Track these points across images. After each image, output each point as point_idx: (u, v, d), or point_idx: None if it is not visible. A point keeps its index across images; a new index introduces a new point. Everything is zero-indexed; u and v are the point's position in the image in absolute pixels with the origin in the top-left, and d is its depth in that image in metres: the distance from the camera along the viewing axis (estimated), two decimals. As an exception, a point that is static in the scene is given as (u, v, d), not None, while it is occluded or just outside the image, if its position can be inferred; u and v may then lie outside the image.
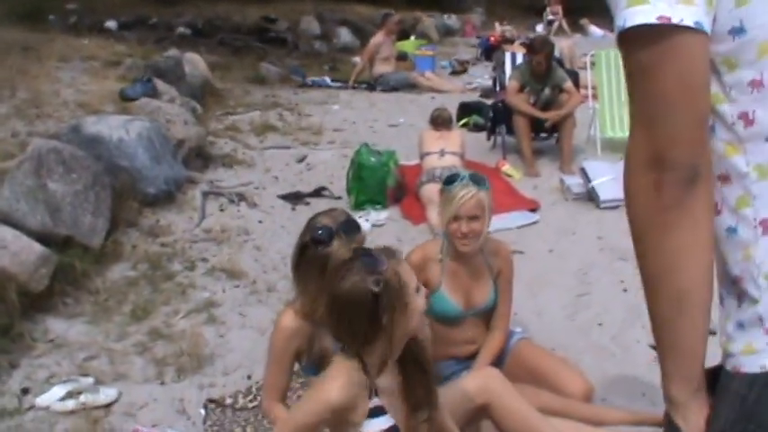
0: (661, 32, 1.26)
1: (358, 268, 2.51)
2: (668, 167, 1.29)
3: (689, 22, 1.25)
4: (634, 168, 1.34)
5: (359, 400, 2.57)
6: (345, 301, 2.49)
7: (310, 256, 3.11)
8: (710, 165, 1.35)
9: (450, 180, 3.74)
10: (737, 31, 1.31)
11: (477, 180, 3.70)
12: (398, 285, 2.50)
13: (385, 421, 2.63)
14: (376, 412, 2.61)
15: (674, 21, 1.24)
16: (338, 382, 2.53)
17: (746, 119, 1.34)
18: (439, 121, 7.51)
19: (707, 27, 1.28)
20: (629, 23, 1.28)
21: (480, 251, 3.80)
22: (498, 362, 3.78)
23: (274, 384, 3.23)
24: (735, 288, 1.42)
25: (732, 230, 1.39)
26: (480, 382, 3.42)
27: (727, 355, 1.44)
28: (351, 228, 3.18)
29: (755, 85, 1.32)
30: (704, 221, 1.34)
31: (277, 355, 3.19)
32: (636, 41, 1.29)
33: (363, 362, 2.58)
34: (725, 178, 1.38)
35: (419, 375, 2.72)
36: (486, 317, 3.97)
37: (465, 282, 3.83)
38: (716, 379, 1.45)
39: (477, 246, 3.71)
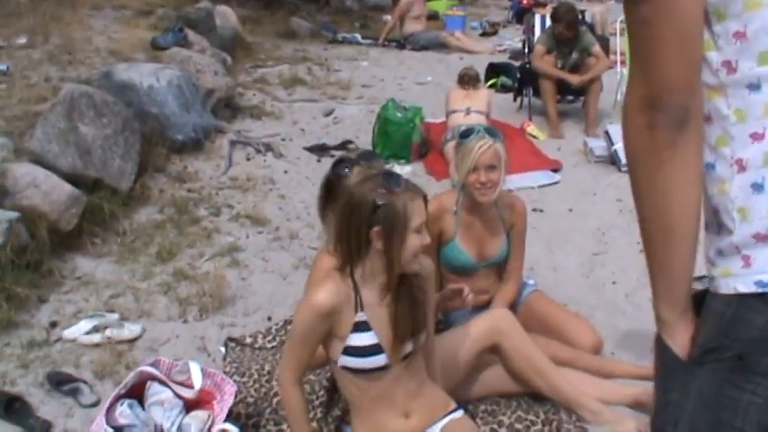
0: None
1: (375, 180, 2.70)
2: (662, 109, 1.39)
3: None
4: (631, 110, 1.43)
5: (344, 309, 2.77)
6: (353, 203, 2.69)
7: (332, 186, 3.26)
8: (701, 108, 1.44)
9: (465, 134, 3.84)
10: None
11: (492, 132, 3.81)
12: (400, 213, 2.65)
13: (368, 338, 2.80)
14: (360, 327, 2.79)
15: None
16: (324, 288, 2.78)
17: (729, 67, 1.43)
18: (465, 80, 7.55)
19: None
20: None
21: (495, 205, 3.90)
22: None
23: None
24: (715, 218, 1.52)
25: (711, 166, 1.49)
26: (492, 322, 3.53)
27: (710, 278, 1.55)
28: (369, 156, 3.37)
29: (739, 36, 1.41)
30: (694, 160, 1.44)
31: None
32: None
33: (353, 275, 2.78)
34: (707, 118, 1.47)
35: (409, 309, 2.85)
36: (499, 268, 4.07)
37: (479, 234, 3.93)
38: (701, 303, 1.56)
39: (494, 197, 3.80)
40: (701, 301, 1.56)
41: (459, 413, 3.10)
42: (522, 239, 4.07)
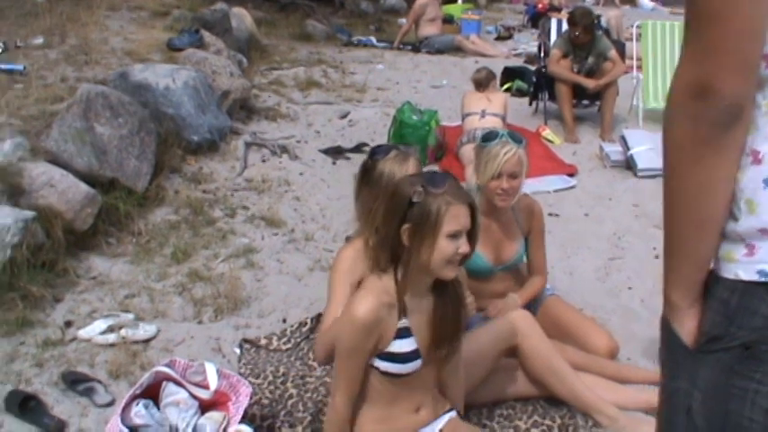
0: None
1: (418, 177, 2.71)
2: (712, 99, 1.33)
3: None
4: (678, 95, 1.38)
5: (388, 318, 2.70)
6: (391, 196, 2.70)
7: (367, 169, 3.30)
8: (751, 107, 1.39)
9: (488, 138, 3.81)
10: None
11: (515, 138, 3.79)
12: (433, 215, 2.60)
13: (409, 344, 2.75)
14: (402, 333, 2.74)
15: None
16: (365, 302, 2.68)
17: None
18: (479, 82, 7.55)
19: None
20: None
21: (511, 208, 3.89)
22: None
23: (335, 314, 3.31)
24: None
25: None
26: (511, 324, 3.52)
27: (714, 258, 1.53)
28: (406, 146, 3.44)
29: None
30: (735, 159, 1.41)
31: (337, 286, 3.26)
32: None
33: (396, 280, 2.72)
34: None
35: (451, 314, 2.83)
36: (515, 272, 4.07)
37: (495, 237, 3.92)
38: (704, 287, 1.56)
39: (513, 202, 3.80)
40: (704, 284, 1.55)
41: (453, 413, 3.09)
42: (542, 238, 4.06)
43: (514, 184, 3.73)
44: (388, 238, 2.69)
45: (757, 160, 1.42)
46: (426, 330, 2.80)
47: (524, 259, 4.11)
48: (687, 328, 1.55)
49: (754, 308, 1.43)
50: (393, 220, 2.66)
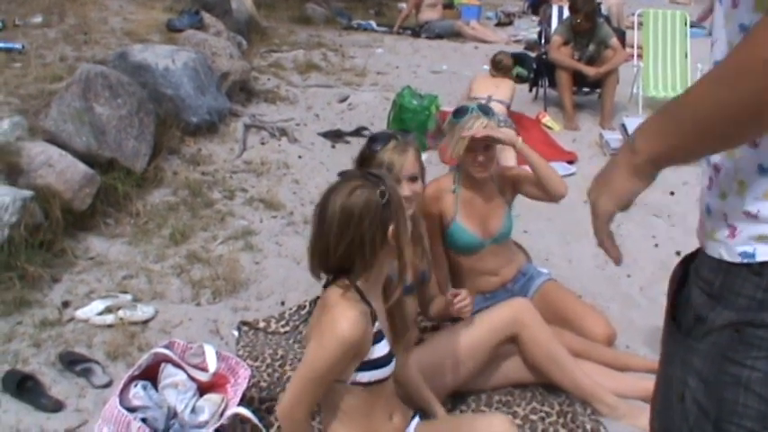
0: None
1: (364, 185, 2.58)
2: None
3: None
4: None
5: (367, 329, 2.59)
6: (359, 215, 2.53)
7: (365, 159, 3.28)
8: None
9: (459, 113, 3.83)
10: None
11: (486, 111, 3.82)
12: (398, 197, 2.61)
13: (384, 346, 2.67)
14: (378, 337, 2.66)
15: None
16: (348, 316, 2.53)
17: None
18: (499, 66, 7.59)
19: None
20: None
21: (491, 179, 3.93)
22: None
23: None
24: (713, 172, 1.49)
25: None
26: (512, 313, 3.50)
27: (701, 228, 1.53)
28: (404, 132, 3.42)
29: None
30: None
31: None
32: None
33: (359, 290, 2.62)
34: None
35: (398, 307, 2.80)
36: (505, 245, 4.06)
37: (480, 209, 3.92)
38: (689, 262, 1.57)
39: (491, 171, 3.85)
40: (689, 261, 1.55)
41: (417, 418, 3.02)
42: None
43: (489, 154, 3.77)
44: (371, 252, 2.56)
45: (754, 144, 1.39)
46: (388, 330, 2.76)
47: (511, 233, 4.11)
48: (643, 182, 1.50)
49: (737, 289, 1.42)
50: (377, 236, 2.55)
